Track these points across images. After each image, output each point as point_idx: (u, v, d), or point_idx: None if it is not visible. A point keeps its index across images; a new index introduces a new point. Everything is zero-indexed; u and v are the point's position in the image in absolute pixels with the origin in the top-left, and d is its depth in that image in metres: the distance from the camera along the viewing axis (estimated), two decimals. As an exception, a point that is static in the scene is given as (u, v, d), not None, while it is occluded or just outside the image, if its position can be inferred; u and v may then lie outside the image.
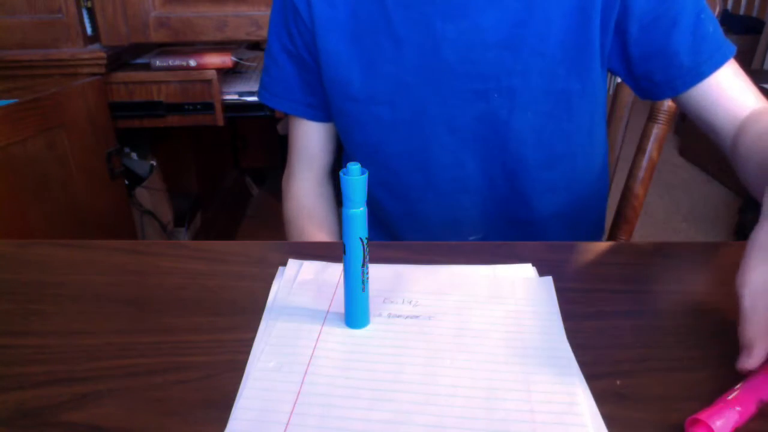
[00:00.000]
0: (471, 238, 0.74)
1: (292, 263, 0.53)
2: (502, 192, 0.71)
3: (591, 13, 0.61)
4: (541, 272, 0.52)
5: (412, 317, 0.46)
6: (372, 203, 0.75)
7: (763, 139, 0.57)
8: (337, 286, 0.49)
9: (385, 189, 0.74)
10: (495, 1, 0.62)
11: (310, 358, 0.41)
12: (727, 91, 0.64)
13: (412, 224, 0.75)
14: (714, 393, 0.38)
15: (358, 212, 0.41)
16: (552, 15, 0.62)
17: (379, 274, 0.50)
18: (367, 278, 0.43)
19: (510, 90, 0.64)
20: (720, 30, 0.64)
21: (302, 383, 0.39)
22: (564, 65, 0.63)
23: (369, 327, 0.45)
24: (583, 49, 0.63)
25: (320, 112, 0.74)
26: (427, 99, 0.65)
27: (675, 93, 0.65)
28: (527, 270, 0.52)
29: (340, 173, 0.40)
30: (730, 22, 3.20)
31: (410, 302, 0.48)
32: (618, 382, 0.39)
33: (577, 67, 0.64)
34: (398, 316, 0.46)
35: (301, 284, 0.50)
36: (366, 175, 0.40)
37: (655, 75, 0.65)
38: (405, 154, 0.69)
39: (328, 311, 0.47)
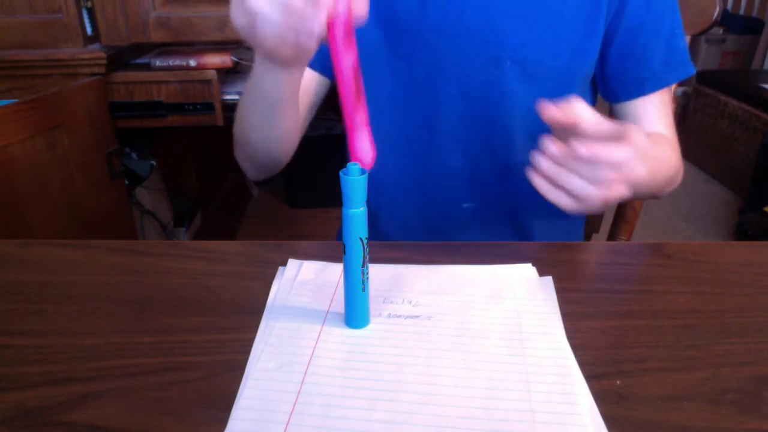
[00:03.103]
0: (465, 205, 0.76)
1: (292, 263, 0.53)
2: (497, 160, 0.73)
3: (601, 2, 0.66)
4: (541, 272, 0.52)
5: (412, 317, 0.46)
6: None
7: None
8: (337, 286, 0.49)
9: (389, 145, 0.74)
10: None
11: (310, 358, 0.41)
12: (659, 109, 0.72)
13: (408, 187, 0.76)
14: (714, 393, 0.38)
15: (358, 212, 0.41)
16: None
17: (379, 274, 0.50)
18: (367, 278, 0.43)
19: (522, 61, 0.67)
20: (687, 49, 0.72)
21: (302, 383, 0.39)
22: (572, 46, 0.67)
23: (369, 327, 0.45)
24: (589, 34, 0.68)
25: (317, 60, 0.72)
26: (443, 59, 0.68)
27: (640, 94, 0.71)
28: (527, 270, 0.52)
29: (340, 173, 0.40)
30: (730, 22, 3.20)
31: (410, 302, 0.48)
32: (618, 382, 0.39)
33: (582, 50, 0.68)
34: (398, 316, 0.46)
35: (301, 284, 0.50)
36: (366, 175, 0.40)
37: (627, 76, 0.71)
38: (415, 109, 0.72)
39: (328, 311, 0.47)
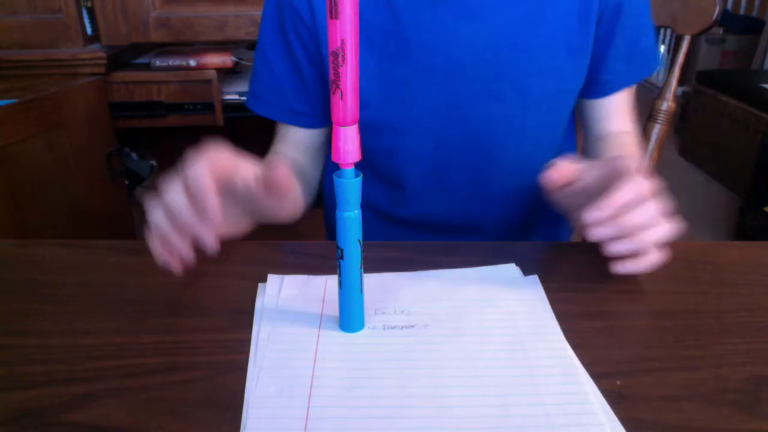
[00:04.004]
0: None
1: (272, 279, 0.50)
2: (502, 185, 0.71)
3: (590, 15, 0.64)
4: (542, 273, 0.51)
5: (407, 327, 0.45)
6: (379, 211, 0.75)
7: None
8: (324, 301, 0.48)
9: (394, 195, 0.72)
10: (507, 1, 0.62)
11: (312, 379, 0.39)
12: (621, 107, 0.72)
13: (417, 227, 0.74)
14: (714, 393, 0.38)
15: (353, 215, 0.41)
16: (559, 15, 0.63)
17: (365, 284, 0.46)
18: (363, 280, 0.43)
19: (524, 90, 0.64)
20: (654, 42, 0.71)
21: (308, 407, 0.37)
22: (569, 65, 0.65)
23: (367, 342, 0.43)
24: (583, 50, 0.66)
25: (315, 120, 0.72)
26: (438, 102, 0.65)
27: (604, 95, 0.71)
28: (511, 270, 0.52)
29: (334, 176, 0.40)
30: (730, 22, 3.20)
31: (402, 311, 0.47)
32: (618, 382, 0.39)
33: (578, 67, 0.67)
34: (393, 327, 0.45)
35: (286, 301, 0.48)
36: (360, 178, 0.40)
37: (591, 77, 0.69)
38: (418, 159, 0.68)
39: (320, 329, 0.45)
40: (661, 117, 0.84)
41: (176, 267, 0.47)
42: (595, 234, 0.48)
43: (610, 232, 0.47)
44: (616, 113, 0.72)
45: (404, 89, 0.65)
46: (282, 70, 0.70)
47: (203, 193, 0.43)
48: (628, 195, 0.46)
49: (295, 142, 0.74)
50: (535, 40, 0.63)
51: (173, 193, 0.45)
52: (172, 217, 0.45)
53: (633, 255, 0.48)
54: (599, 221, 0.46)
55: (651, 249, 0.48)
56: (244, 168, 0.48)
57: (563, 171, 0.49)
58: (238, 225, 0.54)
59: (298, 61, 0.68)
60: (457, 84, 0.64)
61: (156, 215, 0.46)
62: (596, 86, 0.70)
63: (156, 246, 0.47)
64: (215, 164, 0.45)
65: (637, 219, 0.47)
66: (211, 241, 0.45)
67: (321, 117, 0.72)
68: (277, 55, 0.69)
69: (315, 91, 0.70)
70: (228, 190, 0.48)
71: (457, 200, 0.71)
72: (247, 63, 1.43)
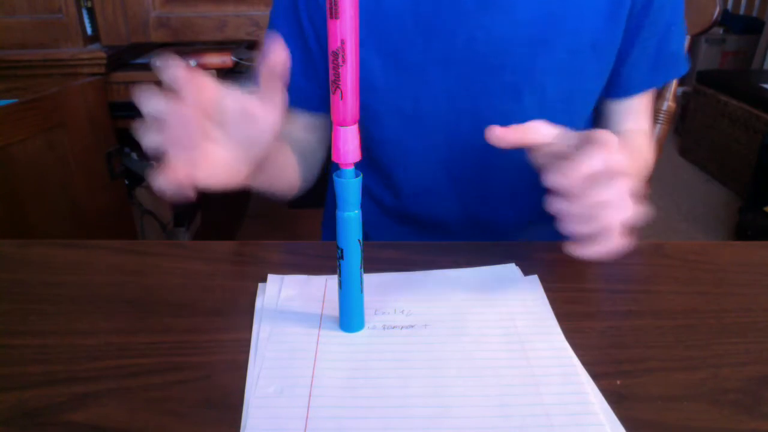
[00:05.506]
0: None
1: (273, 279, 0.50)
2: (510, 187, 0.69)
3: (620, 13, 0.62)
4: (542, 273, 0.51)
5: (407, 327, 0.45)
6: (383, 207, 0.74)
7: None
8: (324, 301, 0.48)
9: (399, 190, 0.71)
10: None
11: (312, 379, 0.40)
12: (641, 107, 0.71)
13: (421, 227, 0.73)
14: (714, 393, 0.38)
15: (353, 215, 0.40)
16: (585, 12, 0.61)
17: (365, 284, 0.47)
18: (363, 280, 0.43)
19: (542, 88, 0.62)
20: (683, 47, 0.70)
21: (308, 407, 0.37)
22: (592, 64, 0.63)
23: (367, 342, 0.43)
24: (608, 49, 0.63)
25: (322, 104, 0.70)
26: (454, 94, 0.63)
27: (626, 95, 0.69)
28: (511, 270, 0.52)
29: (334, 175, 0.40)
30: (730, 22, 3.20)
31: (402, 311, 0.47)
32: (618, 382, 0.39)
33: (602, 67, 0.64)
34: (393, 327, 0.45)
35: (286, 301, 0.48)
36: (360, 178, 0.40)
37: (614, 78, 0.67)
38: (428, 151, 0.67)
39: (319, 329, 0.45)
40: (661, 117, 0.84)
41: (191, 181, 0.42)
42: (556, 209, 0.44)
43: (574, 210, 0.43)
44: (633, 114, 0.70)
45: (419, 76, 0.63)
46: (291, 49, 0.69)
47: (179, 76, 0.40)
48: (598, 164, 0.42)
49: (303, 124, 0.73)
50: (559, 37, 0.61)
51: (151, 103, 0.43)
52: (160, 130, 0.42)
53: (593, 237, 0.44)
54: (562, 190, 0.43)
55: (612, 232, 0.43)
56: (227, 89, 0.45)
57: (527, 132, 0.45)
58: (233, 166, 0.48)
59: (308, 42, 0.67)
60: (474, 75, 0.62)
61: (147, 140, 0.43)
62: (619, 86, 0.68)
63: (162, 180, 0.42)
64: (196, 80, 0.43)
65: (602, 196, 0.42)
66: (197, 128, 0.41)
67: (328, 100, 0.71)
68: (287, 33, 0.68)
69: (324, 74, 0.68)
70: (215, 116, 0.45)
71: (463, 198, 0.70)
72: (247, 63, 1.43)
